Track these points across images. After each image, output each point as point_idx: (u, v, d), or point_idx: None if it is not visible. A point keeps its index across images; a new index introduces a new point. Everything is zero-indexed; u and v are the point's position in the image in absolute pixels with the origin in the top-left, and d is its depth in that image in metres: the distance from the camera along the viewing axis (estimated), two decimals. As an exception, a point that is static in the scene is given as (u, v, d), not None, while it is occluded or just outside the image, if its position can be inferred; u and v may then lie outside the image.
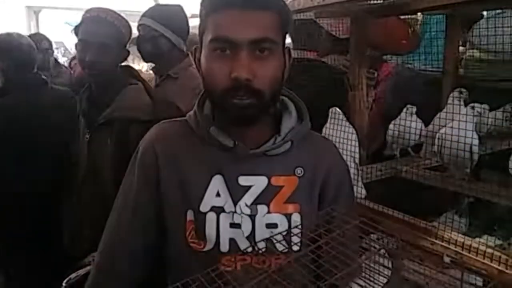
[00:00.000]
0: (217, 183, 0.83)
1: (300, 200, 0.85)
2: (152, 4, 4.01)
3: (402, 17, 1.82)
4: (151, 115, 1.46)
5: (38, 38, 3.21)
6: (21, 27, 9.44)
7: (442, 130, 1.20)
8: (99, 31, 1.47)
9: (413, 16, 1.83)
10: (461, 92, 1.30)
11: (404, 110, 1.34)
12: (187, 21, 1.94)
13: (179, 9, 1.92)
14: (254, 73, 0.75)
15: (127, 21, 1.58)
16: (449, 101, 1.32)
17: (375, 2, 1.46)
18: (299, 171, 0.86)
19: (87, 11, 1.52)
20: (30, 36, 3.28)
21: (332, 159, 0.92)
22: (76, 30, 1.51)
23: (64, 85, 3.23)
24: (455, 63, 1.78)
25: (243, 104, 0.77)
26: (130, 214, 0.89)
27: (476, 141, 1.16)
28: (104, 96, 1.54)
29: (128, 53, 1.61)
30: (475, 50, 1.90)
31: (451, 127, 1.15)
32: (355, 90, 1.60)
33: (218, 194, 0.83)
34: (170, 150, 0.87)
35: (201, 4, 0.80)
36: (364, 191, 1.22)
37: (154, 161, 0.87)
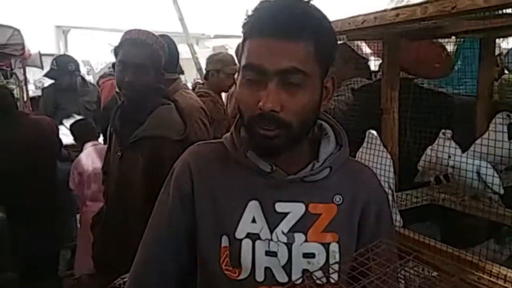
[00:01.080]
0: (253, 209, 0.80)
1: (339, 229, 0.82)
2: (174, 24, 4.12)
3: (435, 40, 1.79)
4: (182, 135, 1.46)
5: (65, 60, 3.31)
6: (50, 46, 9.77)
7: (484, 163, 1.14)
8: (139, 53, 1.50)
9: (447, 40, 1.79)
10: (508, 116, 1.25)
11: (440, 134, 1.30)
12: (173, 49, 1.97)
13: (168, 40, 1.94)
14: (281, 104, 0.73)
15: (164, 44, 1.61)
16: (492, 126, 1.26)
17: (409, 25, 1.44)
18: (337, 198, 0.83)
19: (127, 32, 1.55)
20: (57, 57, 3.40)
21: (371, 187, 0.89)
22: (116, 51, 1.54)
23: (92, 102, 3.30)
24: (489, 87, 1.73)
25: (269, 135, 0.75)
26: (164, 236, 0.86)
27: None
28: (137, 115, 1.56)
29: (163, 74, 1.63)
30: (510, 75, 1.86)
31: (500, 156, 1.09)
32: (387, 114, 1.57)
33: (254, 220, 0.80)
34: (206, 172, 0.85)
35: (242, 27, 0.80)
36: (400, 219, 1.17)
37: (189, 183, 0.84)
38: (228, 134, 0.88)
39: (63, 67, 3.21)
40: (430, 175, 1.37)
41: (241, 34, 0.80)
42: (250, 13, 0.78)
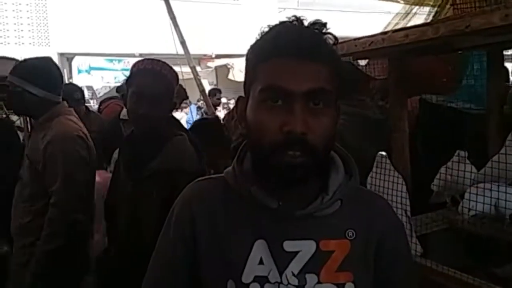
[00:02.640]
0: (260, 249, 0.75)
1: (354, 268, 0.76)
2: (176, 47, 4.13)
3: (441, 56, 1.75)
4: (197, 167, 1.41)
5: (71, 89, 3.32)
6: (54, 73, 9.86)
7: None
8: (154, 84, 1.46)
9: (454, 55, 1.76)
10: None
11: (455, 156, 1.24)
12: (55, 72, 1.97)
13: (45, 62, 1.95)
14: (309, 127, 0.68)
15: (176, 73, 1.58)
16: (508, 143, 1.20)
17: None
18: (350, 233, 0.77)
19: (140, 62, 1.52)
20: (63, 86, 3.40)
21: (386, 218, 0.83)
22: (129, 81, 1.50)
23: (96, 132, 3.28)
24: (499, 100, 1.69)
25: (295, 163, 0.69)
26: (165, 281, 0.81)
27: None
28: (149, 147, 1.50)
29: (175, 104, 1.59)
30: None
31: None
32: (397, 132, 1.52)
33: (261, 262, 0.74)
34: (208, 211, 0.80)
35: (250, 53, 0.76)
36: (420, 248, 1.11)
37: (191, 223, 0.80)
38: (230, 168, 0.83)
39: (70, 96, 3.21)
40: (445, 196, 1.31)
41: (245, 52, 0.77)
42: (262, 33, 0.75)
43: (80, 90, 3.35)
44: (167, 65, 1.55)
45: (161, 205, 1.38)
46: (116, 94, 3.77)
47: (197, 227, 0.79)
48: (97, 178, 2.51)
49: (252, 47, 0.76)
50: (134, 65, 1.55)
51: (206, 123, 2.36)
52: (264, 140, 0.71)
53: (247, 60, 0.76)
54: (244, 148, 0.82)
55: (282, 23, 0.74)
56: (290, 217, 0.75)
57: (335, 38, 0.75)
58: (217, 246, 0.77)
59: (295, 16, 0.74)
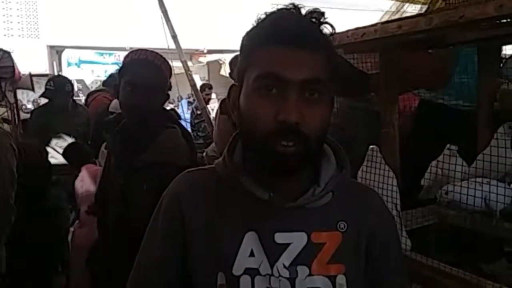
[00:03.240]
0: (250, 241, 0.74)
1: (345, 260, 0.75)
2: (167, 41, 4.09)
3: (432, 51, 1.74)
4: (189, 160, 1.38)
5: (62, 81, 3.29)
6: (43, 66, 9.75)
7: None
8: (149, 74, 1.43)
9: (444, 50, 1.75)
10: (510, 128, 1.19)
11: (445, 150, 1.24)
12: None
13: None
14: (303, 116, 0.67)
15: (169, 64, 1.55)
16: (495, 141, 1.20)
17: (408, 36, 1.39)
18: (342, 225, 0.76)
19: (133, 52, 1.49)
20: (54, 78, 3.37)
21: (377, 211, 0.82)
22: (122, 72, 1.47)
23: (83, 125, 3.25)
24: (490, 97, 1.69)
25: (288, 152, 0.68)
26: (154, 275, 0.79)
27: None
28: (141, 139, 1.47)
29: (168, 96, 1.56)
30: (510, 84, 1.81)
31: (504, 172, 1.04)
32: (387, 128, 1.51)
33: (252, 254, 0.73)
34: (197, 203, 0.78)
35: (246, 39, 0.74)
36: (409, 242, 1.10)
37: (179, 215, 0.78)
38: (221, 159, 0.81)
39: (60, 88, 3.19)
40: (435, 191, 1.31)
41: (237, 47, 0.75)
42: (258, 19, 0.73)
43: (70, 82, 3.31)
44: (161, 56, 1.52)
45: (151, 198, 1.35)
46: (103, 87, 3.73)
47: (186, 220, 0.77)
48: (84, 172, 2.49)
49: (248, 33, 0.74)
50: (127, 55, 1.51)
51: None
52: (257, 129, 0.69)
53: (242, 46, 0.75)
54: (235, 138, 0.81)
55: (279, 10, 0.73)
56: (281, 208, 0.74)
57: (332, 28, 0.74)
58: (207, 238, 0.75)
59: (292, 4, 0.73)
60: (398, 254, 0.84)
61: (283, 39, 0.68)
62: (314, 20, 0.72)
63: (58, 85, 3.21)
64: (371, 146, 1.22)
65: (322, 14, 0.73)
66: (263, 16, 0.73)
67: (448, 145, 1.25)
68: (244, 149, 0.78)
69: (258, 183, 0.74)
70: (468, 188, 1.10)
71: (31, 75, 3.51)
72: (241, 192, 0.75)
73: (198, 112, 5.08)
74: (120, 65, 1.55)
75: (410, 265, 1.04)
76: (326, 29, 0.73)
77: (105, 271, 1.53)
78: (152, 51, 1.51)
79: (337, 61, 0.76)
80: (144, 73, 1.43)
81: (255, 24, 0.73)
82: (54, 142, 2.84)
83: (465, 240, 1.22)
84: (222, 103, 2.80)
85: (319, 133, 0.70)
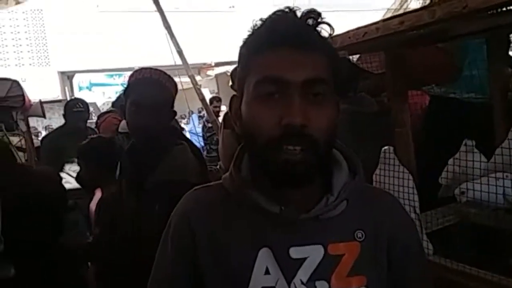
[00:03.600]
0: (264, 258, 0.70)
1: (366, 270, 0.71)
2: (174, 57, 4.12)
3: (440, 45, 1.70)
4: (199, 176, 1.37)
5: (71, 103, 3.40)
6: (56, 92, 9.93)
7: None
8: (153, 93, 1.42)
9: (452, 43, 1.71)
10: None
11: (462, 146, 1.19)
12: None
13: None
14: (309, 119, 0.64)
15: (175, 81, 1.53)
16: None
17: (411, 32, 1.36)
18: (359, 234, 0.73)
19: (138, 72, 1.48)
20: (69, 101, 3.44)
21: (395, 215, 0.78)
22: (127, 92, 1.46)
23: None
24: (503, 88, 1.63)
25: (295, 159, 0.65)
26: None
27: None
28: (150, 159, 1.46)
29: (175, 113, 1.55)
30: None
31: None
32: (400, 127, 1.47)
33: (267, 272, 0.70)
34: (207, 221, 0.76)
35: (243, 47, 0.72)
36: (431, 246, 1.05)
37: (190, 236, 0.75)
38: (228, 174, 0.78)
39: (69, 110, 3.27)
40: (455, 189, 1.26)
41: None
42: (254, 26, 0.71)
43: (81, 103, 3.40)
44: (165, 73, 1.50)
45: (164, 219, 1.34)
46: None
47: (196, 239, 0.74)
48: (98, 194, 2.49)
49: (245, 41, 0.72)
50: (131, 75, 1.50)
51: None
52: (261, 137, 0.66)
53: (239, 55, 0.73)
54: (241, 152, 0.78)
55: (274, 13, 0.71)
56: (294, 221, 0.71)
57: (331, 28, 0.71)
58: (220, 257, 0.72)
59: (288, 6, 0.71)
60: (420, 258, 0.80)
61: (279, 42, 0.66)
62: (310, 21, 0.70)
63: (67, 107, 3.27)
64: (384, 148, 1.18)
65: (319, 14, 0.70)
66: (259, 23, 0.71)
67: (464, 141, 1.20)
68: (251, 162, 0.76)
69: (268, 196, 0.71)
70: (484, 185, 1.05)
71: (41, 102, 3.55)
72: (250, 206, 0.72)
73: (210, 125, 5.08)
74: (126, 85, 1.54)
75: (433, 269, 0.99)
76: (324, 30, 0.71)
77: None
78: (156, 69, 1.49)
79: (339, 61, 0.74)
80: (149, 92, 1.42)
81: (250, 31, 0.72)
82: (67, 167, 2.85)
83: (490, 238, 1.17)
84: (225, 117, 2.78)
85: (327, 135, 0.67)
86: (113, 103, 3.84)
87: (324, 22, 0.71)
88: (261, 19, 0.71)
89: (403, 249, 0.75)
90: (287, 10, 0.70)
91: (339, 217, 0.72)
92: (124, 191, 1.53)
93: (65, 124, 3.38)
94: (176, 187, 1.31)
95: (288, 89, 0.65)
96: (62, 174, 2.64)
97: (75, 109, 3.31)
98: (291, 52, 0.66)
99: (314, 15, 0.70)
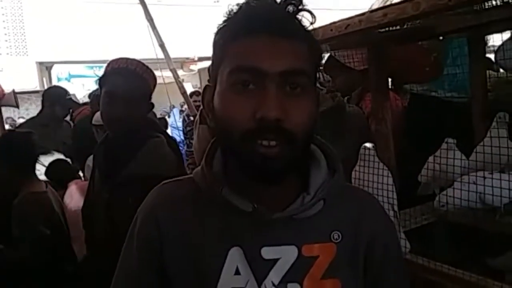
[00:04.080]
0: (235, 257, 0.67)
1: (341, 273, 0.68)
2: (155, 50, 4.05)
3: (422, 43, 1.70)
4: (176, 171, 1.31)
5: (46, 93, 3.27)
6: (34, 83, 9.68)
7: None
8: (129, 84, 1.36)
9: (432, 42, 1.71)
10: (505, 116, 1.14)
11: (444, 144, 1.18)
12: None
13: None
14: (285, 112, 0.60)
15: (153, 73, 1.47)
16: (493, 131, 1.15)
17: (394, 28, 1.34)
18: (336, 235, 0.69)
19: (114, 61, 1.41)
20: (54, 87, 3.32)
21: (375, 217, 0.75)
22: (102, 81, 1.40)
23: (68, 137, 3.18)
24: (482, 87, 1.64)
25: (270, 153, 0.60)
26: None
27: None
28: (124, 151, 1.40)
29: (153, 106, 1.49)
30: (502, 72, 1.77)
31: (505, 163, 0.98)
32: (379, 125, 1.46)
33: (237, 272, 0.66)
34: (175, 217, 0.71)
35: (217, 34, 0.67)
36: (408, 244, 1.04)
37: (156, 233, 0.71)
38: (199, 168, 0.74)
39: (45, 100, 3.16)
40: (434, 187, 1.25)
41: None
42: (230, 11, 0.66)
43: (56, 92, 3.28)
44: (143, 64, 1.44)
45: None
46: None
47: (163, 236, 0.70)
48: (72, 187, 2.42)
49: (220, 28, 0.67)
50: (108, 65, 1.44)
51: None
52: (234, 130, 0.61)
53: (214, 43, 0.67)
54: (213, 146, 0.74)
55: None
56: (267, 220, 0.66)
57: (312, 15, 0.66)
58: (188, 256, 0.68)
59: None
60: (399, 261, 0.77)
61: (256, 28, 0.61)
62: (291, 7, 0.64)
63: (56, 95, 3.18)
64: (363, 145, 1.16)
65: (300, 1, 0.65)
66: (235, 8, 0.66)
67: (446, 139, 1.19)
68: (223, 157, 0.71)
69: (241, 193, 0.66)
70: (464, 191, 1.03)
71: (14, 92, 3.42)
72: (222, 204, 0.67)
73: (191, 118, 5.01)
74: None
75: (410, 268, 0.97)
76: (306, 19, 0.66)
77: (94, 286, 1.46)
78: (134, 59, 1.43)
79: (319, 50, 0.69)
80: (124, 83, 1.35)
81: (226, 17, 0.66)
82: (43, 158, 2.75)
83: (467, 237, 1.16)
84: (202, 112, 2.73)
85: (305, 130, 0.62)
86: (89, 95, 3.74)
87: (305, 10, 0.66)
88: (237, 4, 0.66)
89: (382, 251, 0.72)
90: None
91: (315, 217, 0.68)
92: (97, 183, 1.48)
93: (40, 113, 3.25)
94: (149, 182, 1.27)
95: (264, 80, 0.60)
96: (38, 166, 2.55)
97: (67, 96, 3.20)
98: (269, 40, 0.61)
99: (295, 1, 0.65)
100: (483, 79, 1.61)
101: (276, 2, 0.65)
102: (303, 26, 0.66)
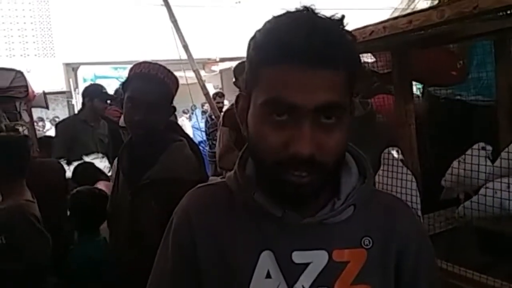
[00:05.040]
0: (266, 261, 0.68)
1: (371, 279, 0.68)
2: (179, 51, 4.11)
3: (448, 46, 1.69)
4: (198, 174, 1.34)
5: (84, 91, 3.32)
6: (60, 84, 9.94)
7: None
8: (150, 89, 1.39)
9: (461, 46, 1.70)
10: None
11: (475, 147, 1.16)
12: None
13: None
14: (318, 146, 0.60)
15: (175, 77, 1.50)
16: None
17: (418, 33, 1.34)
18: (366, 241, 0.69)
19: (137, 66, 1.45)
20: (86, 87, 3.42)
21: (406, 223, 0.74)
22: (125, 86, 1.44)
23: (105, 136, 3.25)
24: (509, 90, 1.62)
25: (301, 182, 0.62)
26: None
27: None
28: (148, 154, 1.44)
29: (175, 109, 1.52)
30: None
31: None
32: (403, 127, 1.46)
33: (268, 275, 0.68)
34: (208, 220, 0.73)
35: (252, 49, 0.65)
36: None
37: (190, 236, 0.73)
38: (232, 173, 0.76)
39: (84, 97, 3.23)
40: (458, 192, 1.24)
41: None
42: (264, 29, 0.64)
43: (92, 90, 3.31)
44: (165, 68, 1.47)
45: (160, 214, 1.32)
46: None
47: (197, 239, 0.72)
48: (102, 185, 2.49)
49: (255, 42, 0.64)
50: (131, 69, 1.48)
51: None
52: (267, 158, 0.63)
53: (248, 55, 0.66)
54: (246, 151, 0.75)
55: (290, 15, 0.62)
56: (298, 225, 0.68)
57: (352, 36, 0.63)
58: (220, 258, 0.70)
59: (305, 6, 0.63)
60: (431, 267, 0.77)
61: (293, 58, 0.58)
62: (334, 28, 0.61)
63: (93, 90, 3.25)
64: (386, 149, 1.17)
65: (341, 20, 0.62)
66: (271, 24, 0.63)
67: (480, 144, 1.17)
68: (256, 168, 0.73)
69: (272, 198, 0.68)
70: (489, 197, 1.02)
71: (44, 93, 3.55)
72: (254, 208, 0.69)
73: (214, 119, 5.06)
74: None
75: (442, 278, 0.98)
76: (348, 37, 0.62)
77: (116, 286, 1.51)
78: (156, 64, 1.46)
79: (361, 72, 0.69)
80: (145, 88, 1.39)
81: (262, 30, 0.64)
82: (85, 158, 2.83)
83: (491, 242, 1.15)
84: (225, 115, 2.74)
85: (337, 158, 0.63)
86: (116, 91, 3.80)
87: (346, 31, 0.63)
88: (273, 16, 0.64)
89: (414, 257, 0.72)
90: (309, 10, 0.62)
91: (345, 223, 0.69)
92: (121, 185, 1.53)
93: (81, 110, 3.30)
94: (171, 185, 1.29)
95: (298, 114, 0.59)
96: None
97: (103, 90, 3.27)
98: (304, 71, 0.58)
99: (335, 22, 0.62)
100: (509, 83, 1.59)
101: (315, 21, 0.61)
102: (347, 46, 0.61)
